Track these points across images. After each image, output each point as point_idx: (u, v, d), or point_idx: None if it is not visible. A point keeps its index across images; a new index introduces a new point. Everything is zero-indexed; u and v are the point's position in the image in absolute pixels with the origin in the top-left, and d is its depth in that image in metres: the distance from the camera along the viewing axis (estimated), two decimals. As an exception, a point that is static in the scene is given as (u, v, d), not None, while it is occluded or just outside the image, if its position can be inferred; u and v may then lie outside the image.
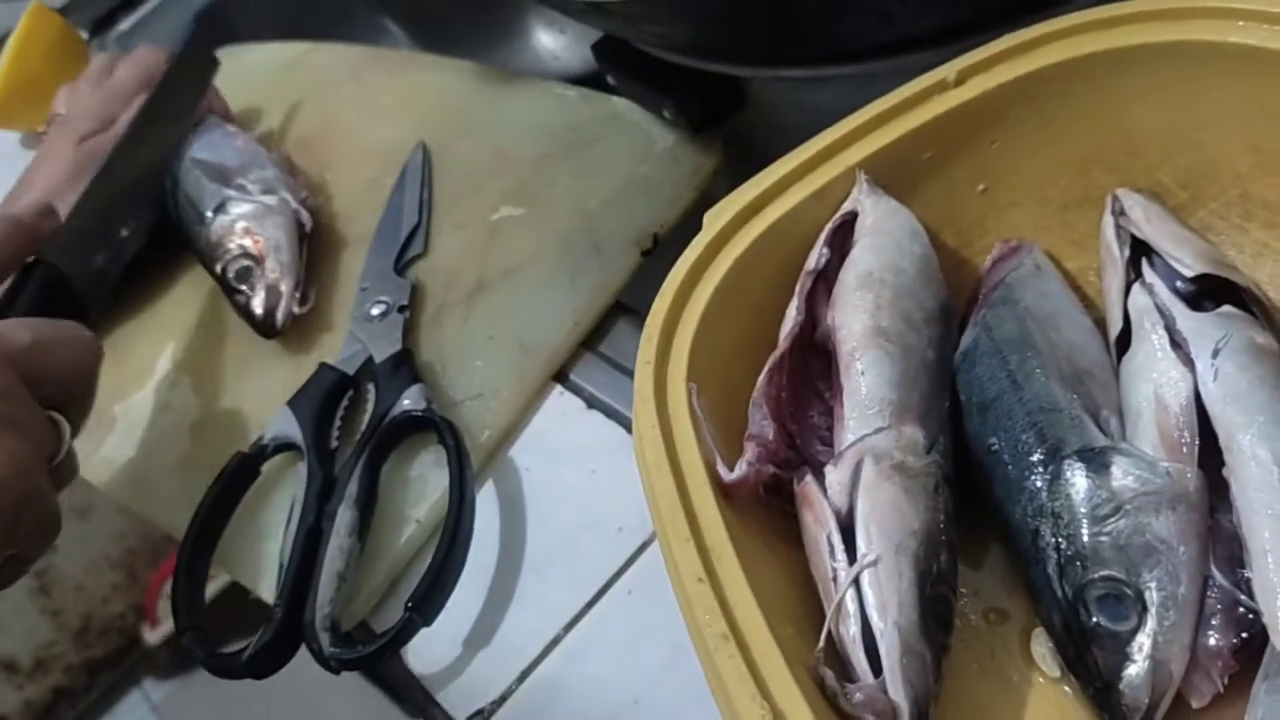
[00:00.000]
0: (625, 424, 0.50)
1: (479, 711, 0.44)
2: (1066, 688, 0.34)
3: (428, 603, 0.45)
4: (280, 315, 0.59)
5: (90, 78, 0.73)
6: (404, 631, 0.43)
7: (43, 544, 0.41)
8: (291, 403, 0.54)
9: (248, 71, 0.82)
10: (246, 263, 0.60)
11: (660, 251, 0.57)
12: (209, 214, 0.63)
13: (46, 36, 0.88)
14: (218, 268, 0.61)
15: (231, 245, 0.61)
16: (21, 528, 0.39)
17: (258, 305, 0.59)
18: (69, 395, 0.44)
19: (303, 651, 0.46)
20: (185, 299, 0.68)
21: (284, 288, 0.60)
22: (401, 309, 0.58)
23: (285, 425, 0.53)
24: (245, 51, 0.84)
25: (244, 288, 0.60)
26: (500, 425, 0.52)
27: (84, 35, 0.97)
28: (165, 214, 0.66)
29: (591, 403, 0.52)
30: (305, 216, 0.63)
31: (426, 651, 0.46)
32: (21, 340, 0.42)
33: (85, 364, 0.46)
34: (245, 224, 0.62)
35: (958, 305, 0.42)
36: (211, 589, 0.53)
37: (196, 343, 0.65)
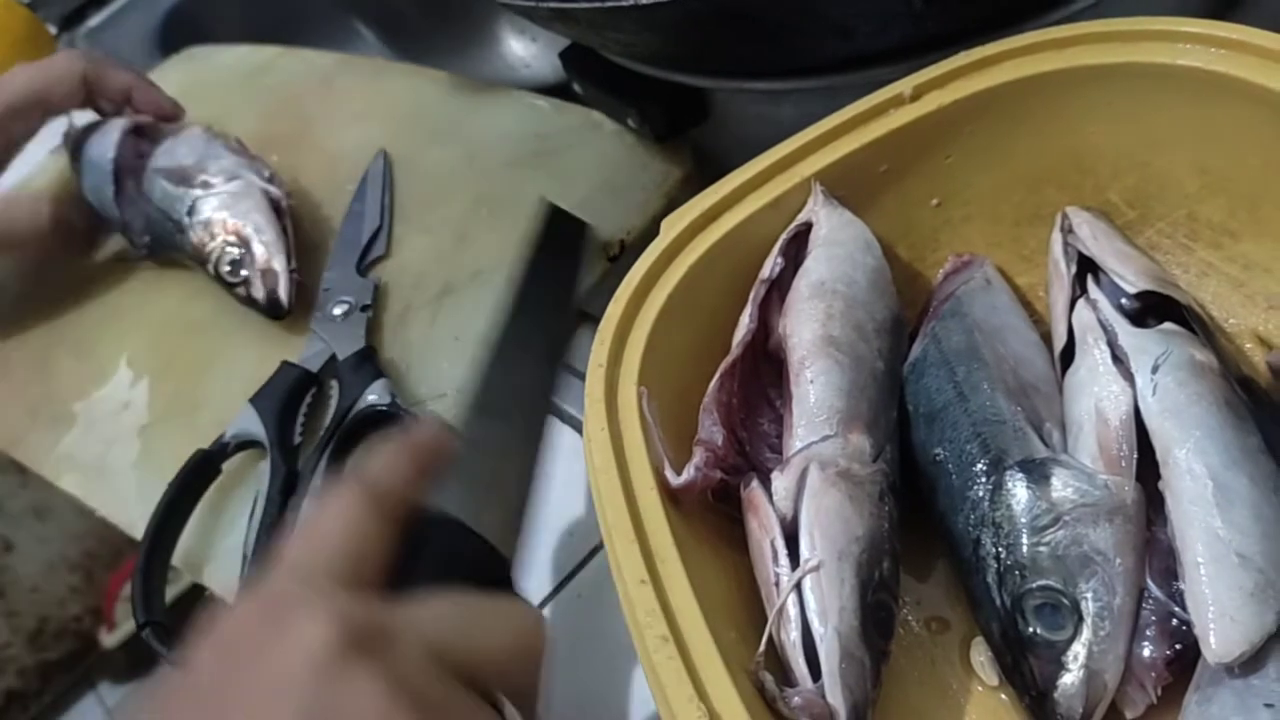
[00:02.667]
0: (580, 429, 0.50)
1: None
2: (1004, 695, 0.34)
3: None
4: (284, 293, 0.59)
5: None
6: None
7: None
8: (254, 400, 0.53)
9: (217, 74, 0.82)
10: (235, 252, 0.60)
11: (626, 258, 0.57)
12: (184, 220, 0.62)
13: (13, 30, 0.87)
14: (210, 269, 0.61)
15: (214, 243, 0.61)
16: None
17: (258, 291, 0.59)
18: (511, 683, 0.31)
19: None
20: (149, 296, 0.67)
21: (278, 266, 0.60)
22: (364, 308, 0.58)
23: (247, 422, 0.53)
24: (215, 53, 0.84)
25: (241, 278, 0.60)
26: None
27: (52, 30, 0.96)
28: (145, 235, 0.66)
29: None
30: (276, 192, 0.63)
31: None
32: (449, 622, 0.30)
33: (530, 648, 0.31)
34: (220, 216, 0.62)
35: (910, 317, 0.42)
36: (172, 592, 0.53)
37: (159, 340, 0.65)
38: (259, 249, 0.60)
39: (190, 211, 0.62)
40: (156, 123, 0.69)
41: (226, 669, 0.27)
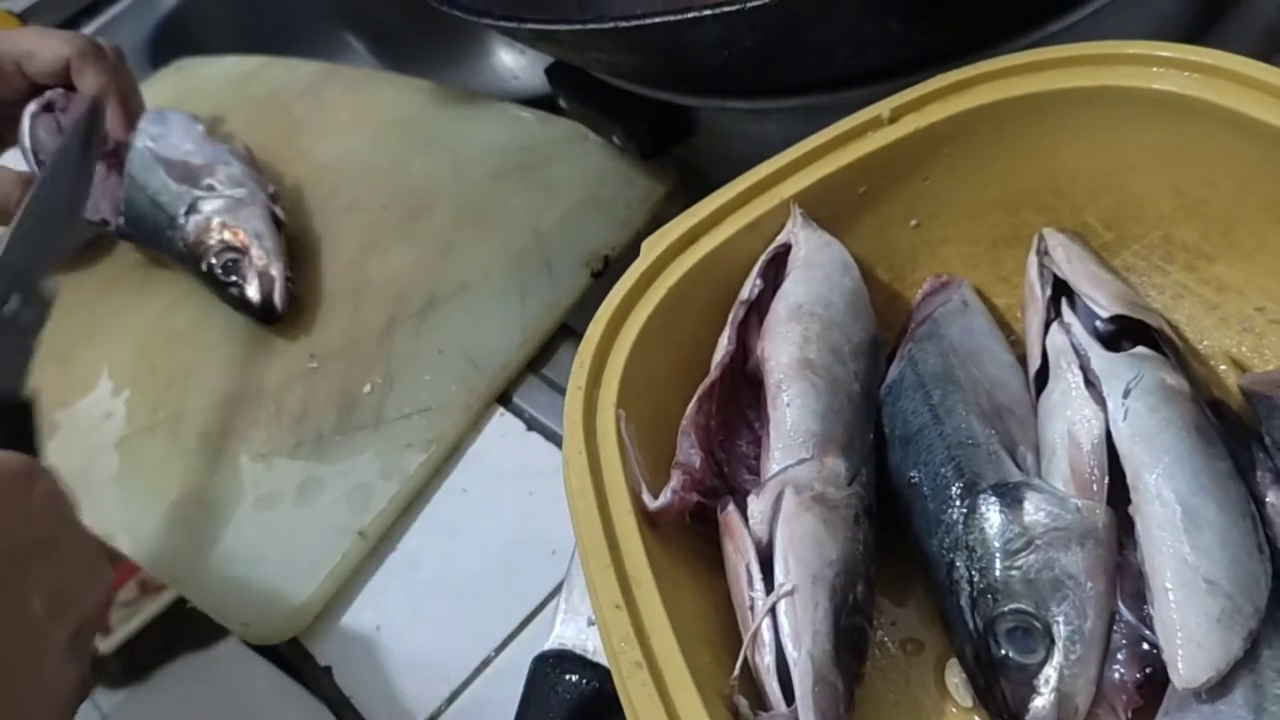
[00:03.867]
0: (558, 442, 0.50)
1: (407, 732, 0.44)
2: (977, 718, 0.35)
3: None
4: (278, 298, 0.60)
5: None
6: None
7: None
8: None
9: (204, 83, 0.82)
10: (233, 255, 0.61)
11: (610, 274, 0.58)
12: (181, 216, 0.62)
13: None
14: (203, 264, 0.61)
15: (212, 241, 0.61)
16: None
17: (253, 292, 0.60)
18: None
19: (255, 666, 0.46)
20: (131, 307, 0.68)
21: (275, 272, 0.60)
22: None
23: None
24: (203, 64, 0.84)
25: (235, 278, 0.60)
26: (447, 439, 0.53)
27: (44, 41, 0.96)
28: (120, 217, 0.65)
29: (531, 425, 0.52)
30: (279, 213, 0.63)
31: (357, 671, 0.46)
32: None
33: None
34: (221, 219, 0.62)
35: (888, 337, 0.42)
36: (155, 606, 0.53)
37: (141, 350, 0.65)
38: (258, 253, 0.60)
39: (190, 210, 0.62)
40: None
41: None
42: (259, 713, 0.50)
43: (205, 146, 0.67)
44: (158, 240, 0.64)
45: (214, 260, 0.61)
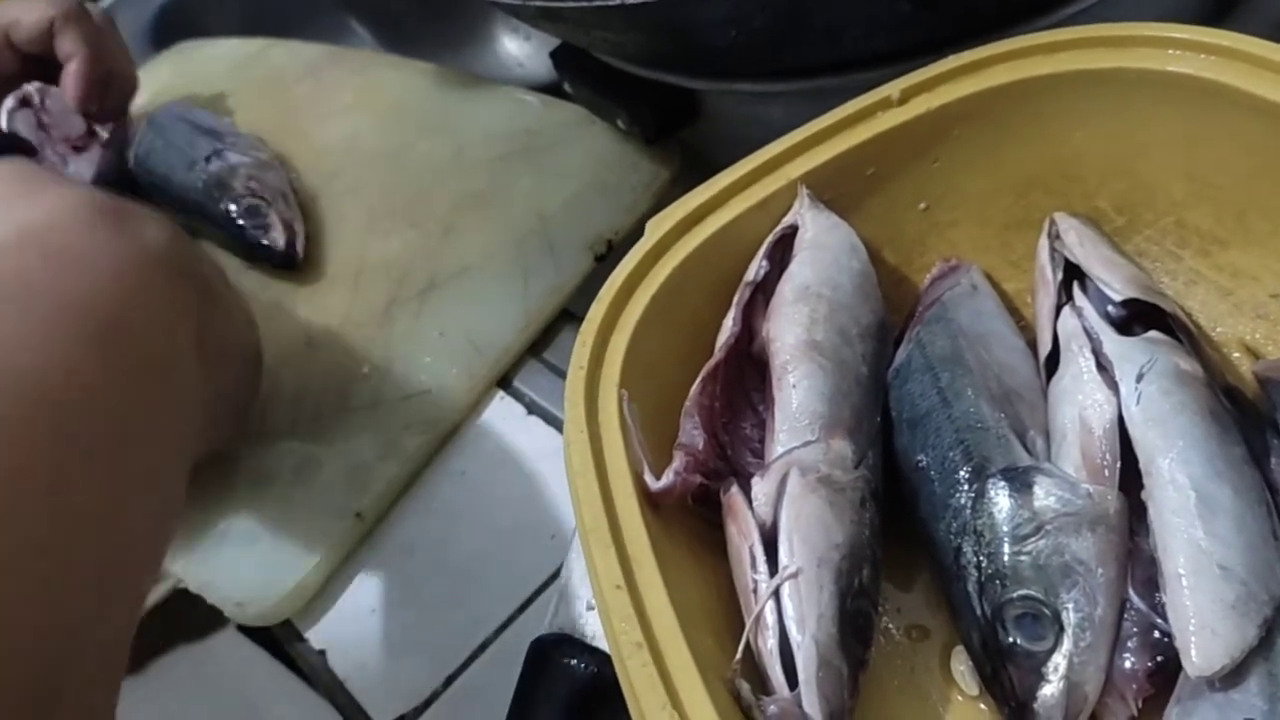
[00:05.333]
0: (559, 426, 0.49)
1: (401, 717, 0.43)
2: (984, 705, 0.34)
3: None
4: (300, 248, 0.61)
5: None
6: None
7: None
8: None
9: (206, 65, 0.82)
10: (255, 202, 0.62)
11: (613, 258, 0.57)
12: (202, 160, 0.63)
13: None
14: (222, 205, 0.62)
15: (237, 185, 0.62)
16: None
17: (276, 237, 0.61)
18: None
19: (249, 654, 0.45)
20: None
21: (297, 227, 0.62)
22: None
23: None
24: (205, 46, 0.84)
25: (257, 223, 0.61)
26: (447, 421, 0.52)
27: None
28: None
29: (531, 408, 0.52)
30: (293, 203, 0.64)
31: (352, 654, 0.46)
32: None
33: None
34: (247, 171, 0.63)
35: (896, 321, 0.42)
36: (152, 597, 0.53)
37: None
38: (281, 207, 0.62)
39: (212, 156, 0.63)
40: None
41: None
42: (253, 700, 0.50)
43: (229, 127, 0.69)
44: (168, 182, 0.64)
45: (235, 206, 0.61)
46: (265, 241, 0.61)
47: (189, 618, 0.56)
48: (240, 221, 0.61)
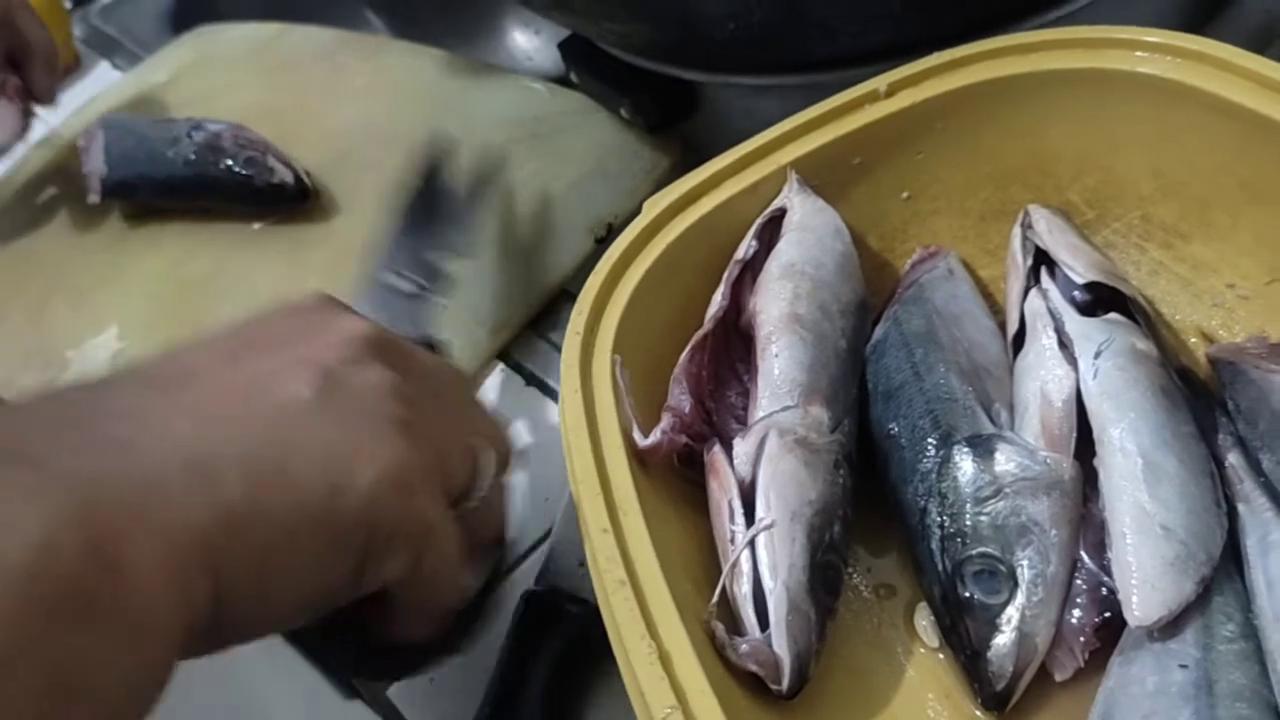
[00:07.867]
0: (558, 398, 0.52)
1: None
2: (942, 656, 0.36)
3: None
4: (308, 180, 0.64)
5: None
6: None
7: (435, 594, 0.33)
8: None
9: (223, 50, 0.84)
10: (251, 153, 0.64)
11: (612, 240, 0.59)
12: (184, 136, 0.65)
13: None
14: (220, 165, 0.64)
15: (227, 145, 0.64)
16: (396, 555, 0.30)
17: (286, 175, 0.64)
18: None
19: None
20: (146, 252, 0.69)
21: (296, 167, 0.64)
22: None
23: None
24: (223, 30, 0.86)
25: (260, 169, 0.64)
26: (448, 393, 0.54)
27: (67, 4, 0.98)
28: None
29: (530, 380, 0.54)
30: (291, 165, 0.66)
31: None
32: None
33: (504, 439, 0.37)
34: (231, 133, 0.65)
35: (875, 303, 0.44)
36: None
37: (154, 296, 0.66)
38: (276, 150, 0.65)
39: (193, 130, 0.65)
40: None
41: (275, 332, 0.33)
42: (253, 681, 0.51)
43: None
44: (154, 169, 0.66)
45: (232, 161, 0.64)
46: (275, 181, 0.63)
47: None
48: (245, 172, 0.64)
